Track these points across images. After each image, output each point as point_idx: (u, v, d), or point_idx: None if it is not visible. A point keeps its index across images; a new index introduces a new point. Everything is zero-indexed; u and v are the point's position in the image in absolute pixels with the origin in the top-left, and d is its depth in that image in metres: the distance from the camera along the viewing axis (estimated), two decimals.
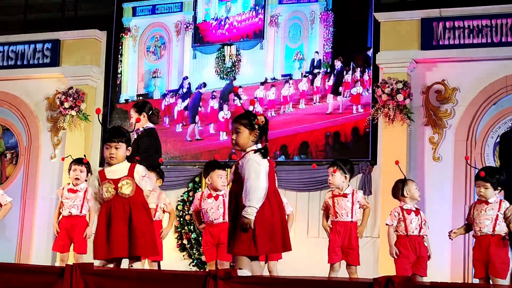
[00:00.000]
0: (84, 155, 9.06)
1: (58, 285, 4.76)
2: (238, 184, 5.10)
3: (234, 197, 5.14)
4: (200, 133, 11.26)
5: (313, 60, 10.78)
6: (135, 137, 7.93)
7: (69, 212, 8.14)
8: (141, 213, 5.62)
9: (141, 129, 8.05)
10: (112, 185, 5.61)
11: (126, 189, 5.61)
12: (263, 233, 4.99)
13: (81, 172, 8.22)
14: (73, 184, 8.24)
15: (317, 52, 10.76)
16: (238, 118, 5.25)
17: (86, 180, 8.17)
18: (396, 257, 7.32)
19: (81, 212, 8.13)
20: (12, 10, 12.62)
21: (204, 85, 11.38)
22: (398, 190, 7.46)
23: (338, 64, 10.61)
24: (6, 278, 5.04)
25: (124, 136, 5.71)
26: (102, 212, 5.60)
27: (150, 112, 8.22)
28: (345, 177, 7.49)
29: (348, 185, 7.57)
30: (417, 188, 7.50)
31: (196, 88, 11.37)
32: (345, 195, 7.47)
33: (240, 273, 4.68)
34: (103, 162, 10.88)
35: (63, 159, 9.61)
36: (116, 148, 5.66)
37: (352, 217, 7.46)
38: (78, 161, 8.36)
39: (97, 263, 5.68)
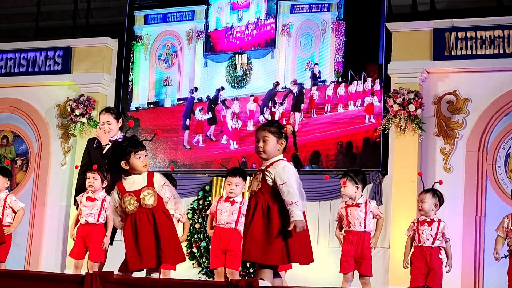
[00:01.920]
0: (96, 164, 9.05)
1: None
2: (266, 193, 5.07)
3: (260, 206, 5.08)
4: (210, 142, 11.25)
5: (320, 71, 10.79)
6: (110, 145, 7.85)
7: (86, 220, 8.14)
8: (165, 222, 5.61)
9: (119, 136, 8.04)
10: (134, 197, 5.59)
11: (149, 199, 5.59)
12: (296, 242, 4.98)
13: (94, 179, 8.19)
14: (91, 192, 8.24)
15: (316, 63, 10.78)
16: (266, 126, 5.22)
17: (104, 188, 8.15)
18: (405, 267, 7.34)
19: (98, 220, 8.12)
20: (24, 18, 12.67)
21: (196, 89, 11.42)
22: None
23: (349, 73, 10.62)
24: (24, 286, 5.04)
25: (144, 144, 5.73)
26: (128, 225, 5.58)
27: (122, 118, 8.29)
28: (357, 187, 7.49)
29: (361, 195, 7.57)
30: (428, 201, 7.45)
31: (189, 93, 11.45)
32: (358, 205, 7.47)
33: (261, 283, 4.67)
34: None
35: (76, 167, 9.61)
36: (145, 155, 5.67)
37: (365, 227, 7.45)
38: (90, 169, 8.36)
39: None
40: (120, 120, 8.15)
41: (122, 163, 5.63)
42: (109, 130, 7.97)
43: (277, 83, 11.02)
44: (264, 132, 5.18)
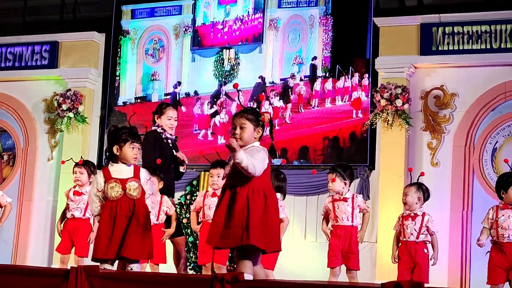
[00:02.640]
0: (81, 157, 9.03)
1: None
2: (236, 177, 5.02)
3: (229, 189, 5.05)
4: (198, 137, 11.24)
5: (311, 65, 10.79)
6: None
7: (72, 215, 8.12)
8: (142, 217, 5.62)
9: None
10: (119, 184, 5.59)
11: (134, 191, 5.61)
12: (259, 224, 4.89)
13: (80, 174, 8.19)
14: (78, 187, 8.22)
15: (315, 57, 10.76)
16: (244, 113, 5.13)
17: (90, 182, 8.13)
18: (394, 262, 7.36)
19: (84, 215, 8.10)
20: (11, 12, 12.59)
21: (179, 83, 11.40)
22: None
23: (336, 68, 10.63)
24: (9, 280, 5.01)
25: (140, 141, 5.75)
26: (107, 212, 5.56)
27: None
28: (345, 183, 7.49)
29: (348, 190, 7.58)
30: (412, 194, 7.43)
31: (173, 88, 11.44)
32: (345, 200, 7.47)
33: (247, 277, 4.66)
34: (101, 164, 10.88)
35: (63, 162, 9.59)
36: (139, 149, 5.68)
37: (352, 222, 7.46)
38: (76, 164, 8.35)
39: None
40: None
41: (114, 148, 5.67)
42: (172, 127, 7.85)
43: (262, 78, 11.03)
44: (242, 119, 5.09)
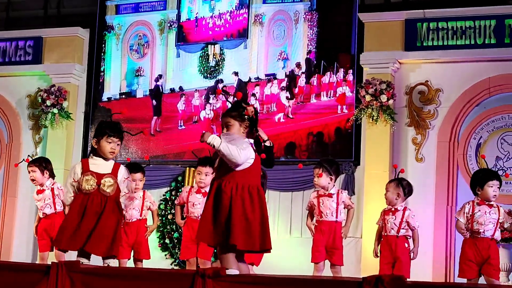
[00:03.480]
0: (28, 155, 8.93)
1: (44, 283, 4.72)
2: (222, 172, 5.04)
3: (216, 183, 5.06)
4: (182, 132, 11.21)
5: (307, 59, 10.76)
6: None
7: (44, 213, 8.08)
8: (113, 213, 5.59)
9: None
10: (94, 178, 5.57)
11: (109, 188, 5.58)
12: (240, 227, 4.89)
13: (33, 172, 8.13)
14: (39, 185, 8.17)
15: (310, 51, 10.74)
16: (228, 111, 5.18)
17: (51, 177, 8.11)
18: (375, 256, 7.38)
19: (55, 209, 8.06)
20: None
21: (160, 77, 11.38)
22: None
23: (321, 64, 10.62)
24: None
25: (122, 135, 5.70)
26: (77, 203, 5.54)
27: None
28: (331, 178, 7.48)
29: (334, 185, 7.57)
30: (391, 190, 7.46)
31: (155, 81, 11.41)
32: (330, 195, 7.46)
33: (229, 272, 4.66)
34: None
35: (16, 165, 9.57)
36: (118, 144, 5.63)
37: (337, 217, 7.45)
38: (29, 163, 8.27)
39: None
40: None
41: (93, 141, 5.67)
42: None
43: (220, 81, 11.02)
44: (226, 118, 5.14)
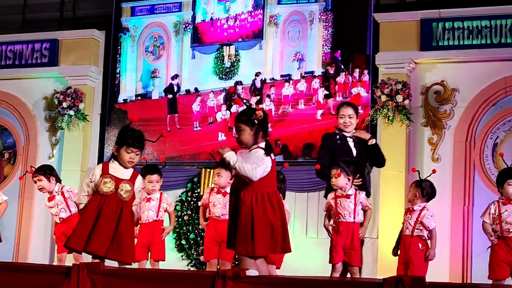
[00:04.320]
0: (31, 166, 8.97)
1: (65, 285, 4.74)
2: (239, 179, 5.08)
3: (234, 193, 5.11)
4: (198, 134, 11.24)
5: (334, 57, 10.75)
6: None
7: (60, 217, 8.12)
8: (129, 219, 5.63)
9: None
10: (113, 182, 5.59)
11: (125, 193, 5.61)
12: (263, 233, 4.95)
13: (39, 181, 8.16)
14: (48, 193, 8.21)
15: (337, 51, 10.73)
16: (238, 116, 5.23)
17: (58, 181, 8.15)
18: (393, 255, 7.39)
19: (70, 211, 8.10)
20: (11, 10, 12.59)
21: (176, 76, 11.40)
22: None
23: (337, 64, 10.61)
24: (11, 278, 5.02)
25: (143, 144, 5.72)
26: (93, 204, 5.55)
27: None
28: (349, 179, 7.46)
29: (351, 186, 7.56)
30: (411, 190, 7.49)
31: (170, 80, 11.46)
32: (347, 196, 7.44)
33: (249, 273, 4.67)
34: (101, 161, 10.87)
35: (21, 178, 9.63)
36: (137, 154, 5.64)
37: (354, 218, 7.43)
38: (32, 175, 8.30)
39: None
40: (357, 115, 7.65)
41: (113, 148, 5.69)
42: (350, 124, 7.52)
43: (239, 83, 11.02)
44: (237, 123, 5.19)
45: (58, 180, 8.30)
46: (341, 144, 7.50)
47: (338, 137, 7.53)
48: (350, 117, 7.49)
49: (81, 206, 5.76)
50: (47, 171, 8.20)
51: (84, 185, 5.73)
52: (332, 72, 10.64)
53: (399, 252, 7.40)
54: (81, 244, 5.48)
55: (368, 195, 7.69)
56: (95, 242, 5.47)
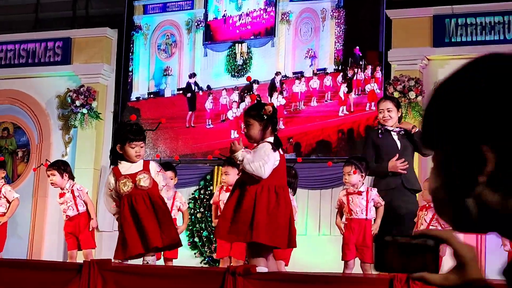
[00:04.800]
0: (46, 160, 8.99)
1: (76, 282, 4.76)
2: (246, 174, 5.05)
3: (239, 186, 5.09)
4: (210, 131, 11.25)
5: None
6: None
7: (67, 215, 8.15)
8: (162, 205, 5.63)
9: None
10: (129, 179, 5.60)
11: (145, 182, 5.60)
12: (264, 222, 4.91)
13: (52, 175, 8.18)
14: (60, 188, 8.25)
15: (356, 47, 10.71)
16: (247, 111, 5.24)
17: (71, 178, 8.17)
18: None
19: (78, 210, 8.12)
20: (24, 9, 12.64)
21: (194, 75, 11.41)
22: None
23: (349, 61, 10.59)
24: (23, 274, 5.04)
25: (145, 135, 5.72)
26: (126, 207, 5.55)
27: None
28: (362, 175, 7.45)
29: (363, 183, 7.54)
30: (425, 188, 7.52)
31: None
32: (359, 193, 7.42)
33: (259, 269, 4.67)
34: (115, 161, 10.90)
35: (34, 169, 9.63)
36: (141, 146, 5.64)
37: (366, 215, 7.42)
38: (46, 168, 8.33)
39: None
40: (400, 109, 7.46)
41: (117, 147, 5.66)
42: (389, 118, 7.30)
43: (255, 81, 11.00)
44: (246, 117, 5.18)
45: (71, 177, 8.32)
46: (384, 138, 7.36)
47: (380, 131, 7.44)
48: (389, 111, 7.32)
49: (117, 216, 5.78)
50: (61, 167, 8.23)
51: (108, 198, 5.75)
52: (352, 68, 10.60)
53: None
54: (139, 248, 5.46)
55: (414, 191, 7.62)
56: (150, 238, 5.46)
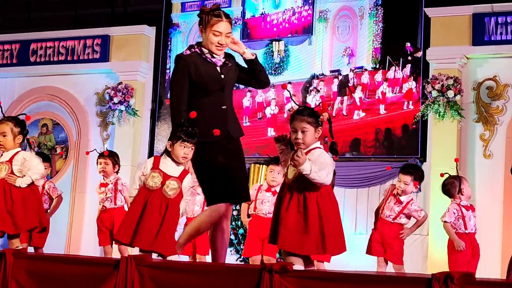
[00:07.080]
0: (106, 148, 9.06)
1: (113, 277, 4.78)
2: (302, 181, 4.94)
3: (296, 195, 4.97)
4: (247, 129, 11.24)
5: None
6: None
7: (103, 206, 8.19)
8: (174, 215, 5.58)
9: None
10: (160, 177, 5.54)
11: (171, 190, 5.52)
12: (333, 233, 4.88)
13: (106, 164, 8.25)
14: (103, 178, 8.31)
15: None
16: (304, 116, 5.05)
17: (117, 172, 8.23)
18: (463, 248, 7.29)
19: (115, 204, 8.17)
20: (62, 6, 12.77)
21: None
22: (455, 187, 7.41)
23: (387, 59, 10.53)
24: (61, 269, 5.08)
25: (197, 139, 5.65)
26: (140, 198, 5.52)
27: None
28: (416, 187, 7.49)
29: (411, 192, 7.56)
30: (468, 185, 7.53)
31: None
32: (399, 201, 7.45)
33: (295, 267, 4.66)
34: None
35: (87, 153, 9.69)
36: (191, 149, 5.58)
37: (394, 219, 7.44)
38: (101, 155, 8.42)
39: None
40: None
41: (167, 143, 5.63)
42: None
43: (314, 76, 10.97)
44: (302, 123, 5.00)
45: (117, 171, 8.43)
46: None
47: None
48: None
49: (131, 200, 5.76)
50: (116, 159, 8.34)
51: (137, 178, 5.71)
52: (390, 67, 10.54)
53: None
54: (128, 238, 5.50)
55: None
56: (141, 236, 5.46)
